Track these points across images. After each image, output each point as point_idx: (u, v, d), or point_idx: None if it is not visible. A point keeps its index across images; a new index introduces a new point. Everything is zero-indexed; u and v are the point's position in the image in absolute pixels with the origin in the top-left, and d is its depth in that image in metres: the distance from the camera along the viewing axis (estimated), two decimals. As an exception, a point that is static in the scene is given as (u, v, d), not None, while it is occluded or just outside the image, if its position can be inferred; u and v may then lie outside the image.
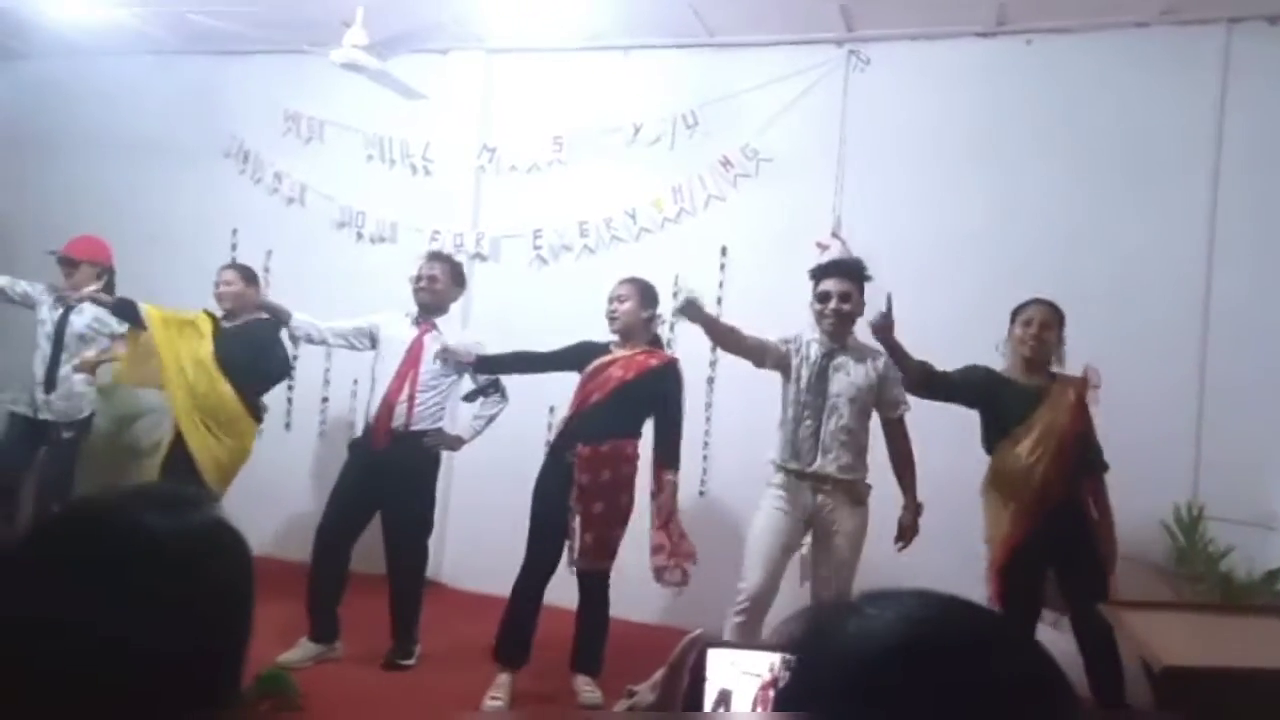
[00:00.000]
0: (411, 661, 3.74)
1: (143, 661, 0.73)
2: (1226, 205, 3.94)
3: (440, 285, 3.86)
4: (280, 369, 4.18)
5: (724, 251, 4.57)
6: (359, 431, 3.98)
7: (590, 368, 3.56)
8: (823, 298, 3.31)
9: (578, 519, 3.45)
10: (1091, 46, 4.12)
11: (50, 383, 4.34)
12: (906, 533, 3.29)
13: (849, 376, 3.27)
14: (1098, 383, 3.22)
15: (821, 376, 3.27)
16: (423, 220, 4.94)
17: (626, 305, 3.57)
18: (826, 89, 4.43)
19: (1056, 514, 3.13)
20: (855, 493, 3.28)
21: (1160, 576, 3.65)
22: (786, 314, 4.21)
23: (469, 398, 3.93)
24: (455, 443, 3.89)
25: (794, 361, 3.33)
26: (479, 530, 4.66)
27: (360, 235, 5.10)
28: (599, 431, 3.46)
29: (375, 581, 3.87)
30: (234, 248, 5.37)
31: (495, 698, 3.43)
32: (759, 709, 0.86)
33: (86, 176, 5.47)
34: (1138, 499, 3.75)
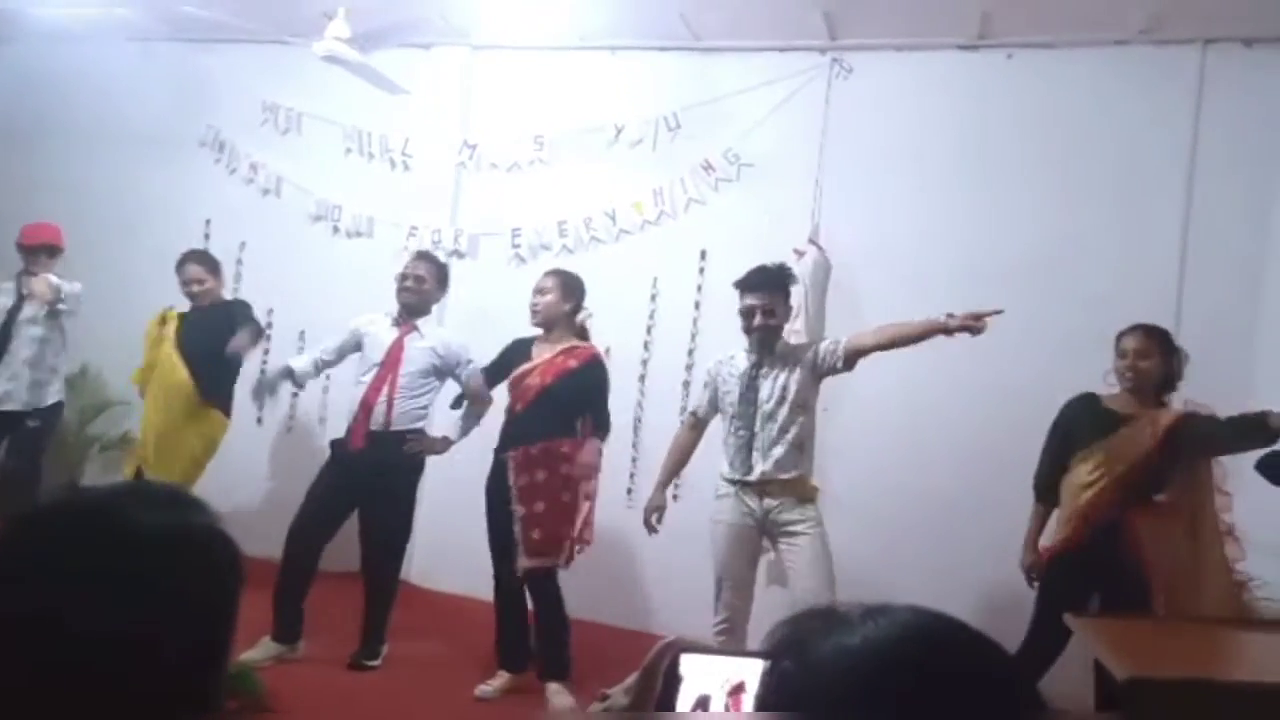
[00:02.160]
0: (377, 662, 3.70)
1: (129, 659, 0.73)
2: (1199, 220, 4.00)
3: (427, 285, 3.81)
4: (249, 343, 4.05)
5: (703, 255, 4.58)
6: (340, 431, 3.93)
7: (511, 377, 3.61)
8: (746, 313, 3.33)
9: (519, 521, 3.47)
10: (1071, 62, 4.17)
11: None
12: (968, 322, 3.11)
13: (778, 382, 3.30)
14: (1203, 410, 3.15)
15: (751, 387, 3.31)
16: (401, 216, 4.90)
17: (547, 298, 3.59)
18: (809, 96, 4.45)
19: (1104, 538, 3.12)
20: (800, 491, 3.27)
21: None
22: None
23: (457, 404, 3.87)
24: (442, 445, 3.80)
25: (722, 386, 3.39)
26: (448, 531, 4.61)
27: (337, 229, 5.05)
28: (528, 434, 3.51)
29: (342, 580, 3.83)
30: (206, 238, 5.29)
31: (487, 684, 3.51)
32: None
33: (56, 163, 5.36)
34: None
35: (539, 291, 3.62)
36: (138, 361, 4.34)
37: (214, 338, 3.84)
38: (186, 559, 0.79)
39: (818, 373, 3.30)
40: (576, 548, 3.55)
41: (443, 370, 3.80)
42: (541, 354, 3.59)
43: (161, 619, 0.75)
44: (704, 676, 0.85)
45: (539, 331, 3.65)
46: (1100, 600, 3.18)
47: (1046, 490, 3.32)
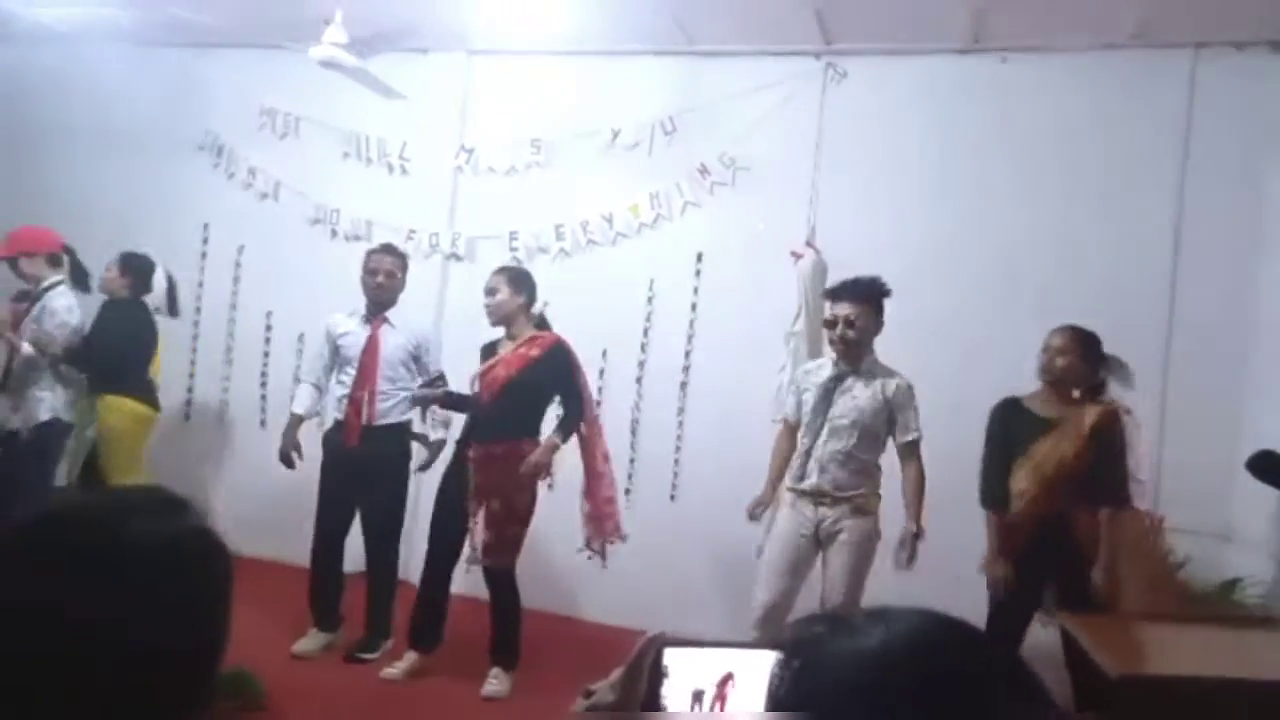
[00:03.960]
0: (375, 655, 3.78)
1: (123, 663, 0.73)
2: (1190, 223, 4.03)
3: (396, 279, 3.91)
4: (130, 347, 4.14)
5: (699, 258, 4.60)
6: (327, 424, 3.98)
7: (478, 372, 3.66)
8: (830, 323, 3.36)
9: (476, 517, 3.51)
10: (1064, 66, 4.20)
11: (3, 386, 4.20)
12: (904, 556, 3.25)
13: (854, 400, 3.30)
14: (1126, 413, 3.20)
15: (826, 398, 3.32)
16: (398, 219, 4.92)
17: (498, 297, 3.65)
18: (804, 100, 4.47)
19: (1047, 538, 3.15)
20: (859, 505, 3.29)
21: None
22: (759, 321, 4.27)
23: (419, 393, 3.88)
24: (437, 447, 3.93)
25: (803, 394, 3.42)
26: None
27: (335, 233, 5.07)
28: (491, 432, 3.56)
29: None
30: (205, 242, 5.32)
31: (394, 666, 3.61)
32: (717, 706, 0.87)
33: (54, 167, 5.39)
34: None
35: (489, 292, 3.67)
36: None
37: (113, 331, 4.05)
38: (179, 564, 0.79)
39: (890, 416, 3.32)
40: (609, 542, 3.64)
41: (416, 357, 3.90)
42: (505, 349, 3.66)
43: (155, 625, 0.75)
44: (690, 670, 0.87)
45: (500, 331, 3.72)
46: (1055, 594, 3.21)
47: (996, 501, 3.27)
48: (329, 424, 3.89)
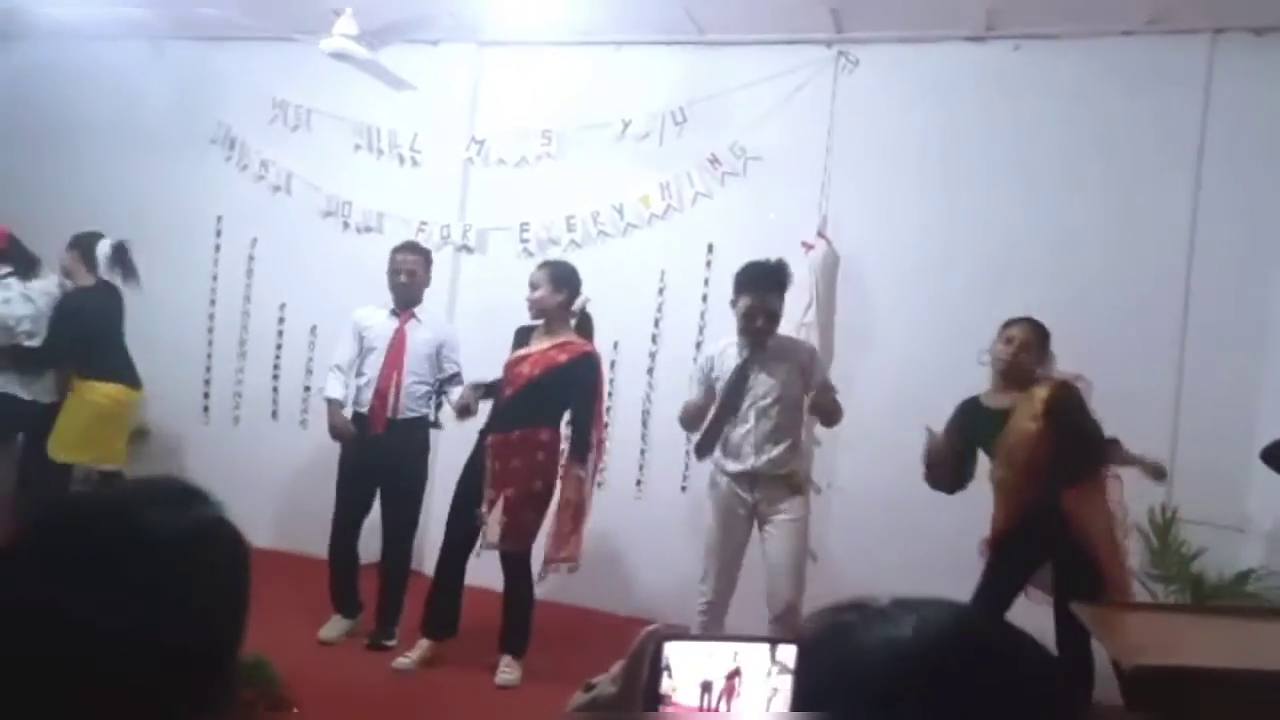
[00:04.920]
0: (395, 641, 3.83)
1: (141, 656, 0.73)
2: (1207, 213, 3.98)
3: (419, 276, 3.97)
4: (47, 341, 4.14)
5: (710, 249, 4.59)
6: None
7: (507, 361, 3.67)
8: (751, 315, 3.38)
9: (491, 503, 3.54)
10: (1078, 53, 4.16)
11: None
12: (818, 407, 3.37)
13: (770, 378, 3.38)
14: (1079, 380, 3.25)
15: (741, 381, 3.38)
16: (410, 211, 4.93)
17: (538, 293, 3.65)
18: (815, 89, 4.45)
19: (1038, 517, 3.18)
20: (793, 483, 3.41)
21: (1134, 577, 3.70)
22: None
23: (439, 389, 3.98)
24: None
25: (714, 381, 3.47)
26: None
27: (347, 225, 5.09)
28: (510, 421, 3.59)
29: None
30: (218, 234, 5.34)
31: (407, 656, 3.60)
32: (725, 699, 0.88)
33: (66, 161, 5.42)
34: (1114, 501, 3.81)
35: (531, 286, 3.68)
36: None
37: (70, 320, 4.09)
38: (199, 557, 0.79)
39: (807, 380, 3.41)
40: (555, 567, 3.63)
41: (438, 353, 3.96)
42: (537, 344, 3.66)
43: (177, 617, 0.75)
44: (692, 663, 0.87)
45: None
46: (1054, 579, 3.23)
47: (939, 482, 3.33)
48: (348, 414, 3.94)
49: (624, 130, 4.68)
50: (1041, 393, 3.21)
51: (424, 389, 3.92)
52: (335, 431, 3.93)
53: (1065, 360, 3.88)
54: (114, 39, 5.23)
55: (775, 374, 3.38)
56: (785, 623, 3.24)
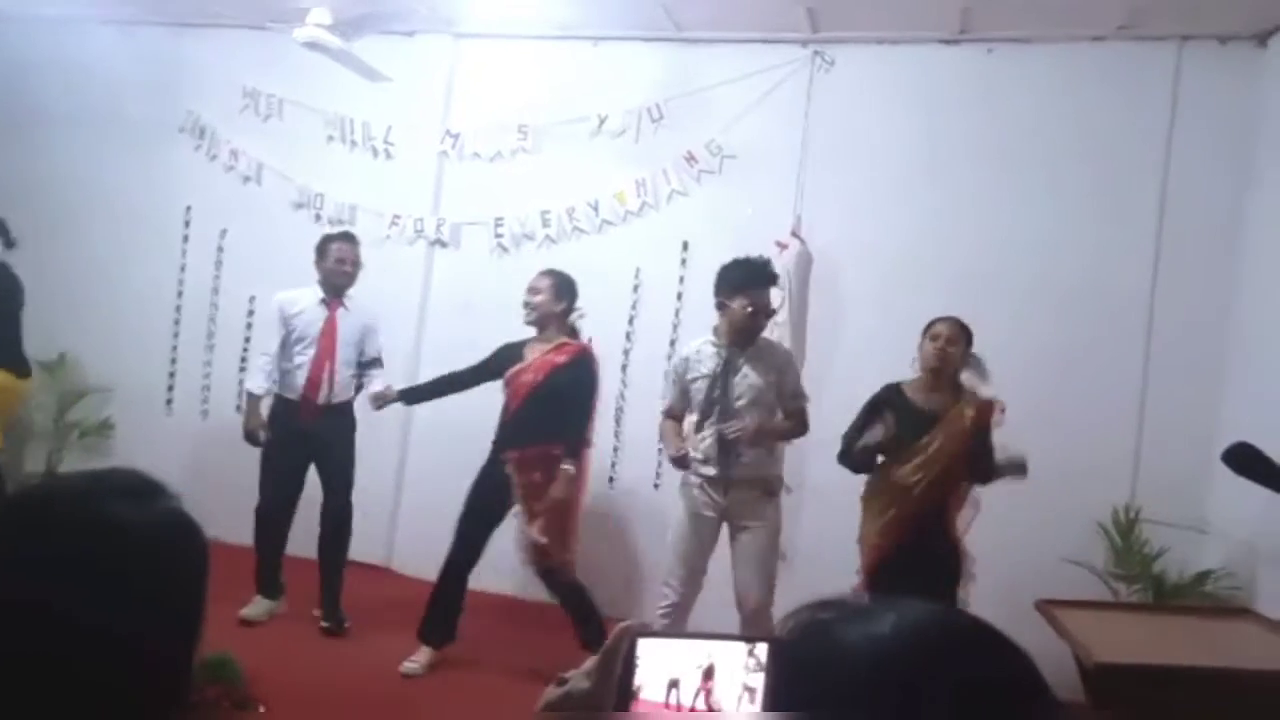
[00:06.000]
0: (348, 624, 3.90)
1: (108, 650, 0.73)
2: (1172, 217, 4.05)
3: (357, 266, 4.01)
4: None
5: (685, 246, 4.59)
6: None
7: (507, 375, 3.67)
8: (750, 313, 3.36)
9: (527, 521, 3.54)
10: (1050, 57, 4.21)
11: None
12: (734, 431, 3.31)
13: (750, 379, 3.35)
14: (1000, 410, 3.30)
15: (720, 385, 3.35)
16: (383, 204, 4.89)
17: (540, 298, 3.65)
18: (791, 88, 4.46)
19: (925, 528, 3.23)
20: (766, 486, 3.39)
21: (1096, 576, 3.76)
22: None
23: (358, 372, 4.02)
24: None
25: (690, 384, 3.43)
26: (431, 521, 4.62)
27: (319, 217, 5.02)
28: (523, 436, 3.58)
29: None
30: (187, 224, 5.26)
31: (413, 661, 3.60)
32: (701, 695, 0.88)
33: (34, 148, 5.30)
34: (1078, 501, 3.87)
35: (533, 291, 3.66)
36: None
37: None
38: (159, 549, 0.79)
39: (780, 386, 3.40)
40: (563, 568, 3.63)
41: (362, 338, 4.01)
42: (533, 353, 3.65)
43: (138, 609, 0.75)
44: (661, 660, 0.87)
45: (531, 332, 3.70)
46: (920, 585, 3.25)
47: (850, 458, 3.36)
48: (271, 400, 3.97)
49: (600, 126, 4.67)
50: (969, 410, 3.25)
51: (350, 373, 3.99)
52: (251, 434, 3.91)
53: (1035, 358, 3.95)
54: (81, 24, 5.12)
55: (751, 377, 3.35)
56: (756, 623, 3.25)
